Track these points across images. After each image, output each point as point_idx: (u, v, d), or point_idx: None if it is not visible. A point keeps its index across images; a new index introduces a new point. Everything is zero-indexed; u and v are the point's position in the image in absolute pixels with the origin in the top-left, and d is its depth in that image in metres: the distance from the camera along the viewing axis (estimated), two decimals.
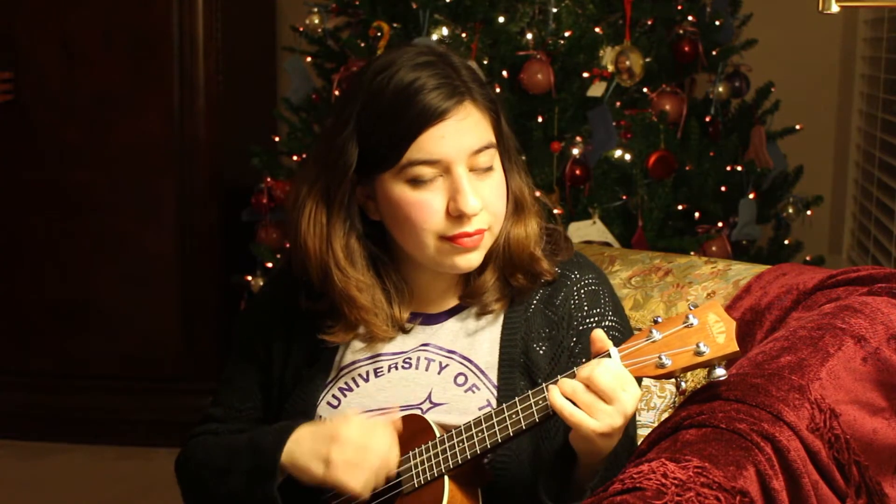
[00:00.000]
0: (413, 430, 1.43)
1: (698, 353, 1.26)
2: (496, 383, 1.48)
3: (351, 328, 1.51)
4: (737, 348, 1.25)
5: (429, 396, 1.48)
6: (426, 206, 1.42)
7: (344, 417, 1.43)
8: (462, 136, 1.42)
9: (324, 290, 1.50)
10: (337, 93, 2.91)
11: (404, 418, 1.45)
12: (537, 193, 1.58)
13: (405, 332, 1.54)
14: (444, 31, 2.75)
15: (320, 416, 1.50)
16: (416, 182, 1.42)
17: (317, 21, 3.16)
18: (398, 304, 1.52)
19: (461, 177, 1.41)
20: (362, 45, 2.88)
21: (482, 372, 1.49)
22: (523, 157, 1.59)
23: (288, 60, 3.30)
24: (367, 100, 1.45)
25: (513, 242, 1.50)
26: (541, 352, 1.50)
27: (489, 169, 1.45)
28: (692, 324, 1.28)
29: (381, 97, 1.43)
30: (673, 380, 1.69)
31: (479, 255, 1.47)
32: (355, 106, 1.46)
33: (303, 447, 1.42)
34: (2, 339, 3.68)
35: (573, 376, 1.31)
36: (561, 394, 1.29)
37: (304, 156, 3.11)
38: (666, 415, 1.65)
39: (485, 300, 1.51)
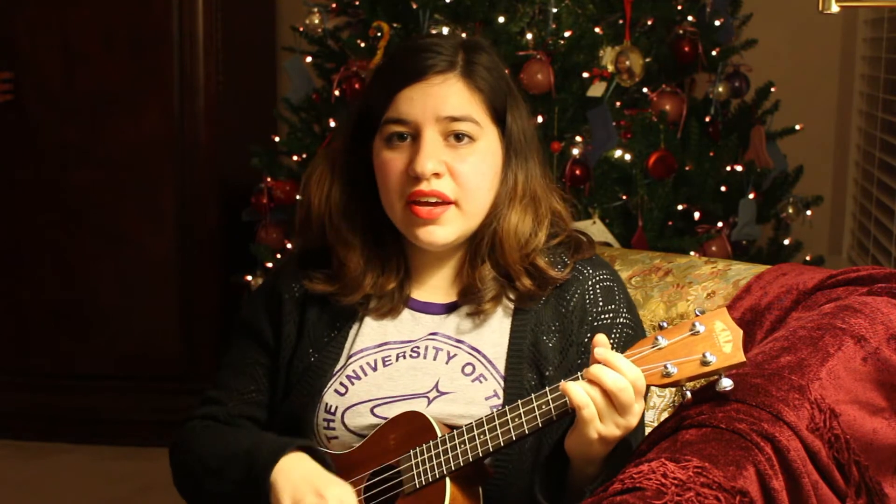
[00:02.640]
0: (413, 428, 1.42)
1: (705, 363, 1.25)
2: (503, 374, 1.48)
3: (334, 281, 1.54)
4: (744, 358, 1.24)
5: (436, 385, 1.48)
6: (391, 164, 1.47)
7: (341, 483, 1.42)
8: (433, 99, 1.45)
9: (322, 245, 1.55)
10: (337, 93, 2.90)
11: (404, 415, 1.44)
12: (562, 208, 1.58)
13: (393, 301, 1.54)
14: (445, 31, 2.75)
15: (327, 404, 1.50)
16: (391, 143, 1.48)
17: (317, 21, 3.16)
18: (390, 273, 1.54)
19: (425, 139, 1.45)
20: (362, 45, 2.88)
21: (490, 362, 1.49)
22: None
23: (288, 60, 3.30)
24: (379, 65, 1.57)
25: (501, 232, 1.50)
26: (550, 344, 1.49)
27: (469, 144, 1.46)
28: (699, 331, 1.27)
29: (387, 58, 1.56)
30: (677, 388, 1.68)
31: (445, 231, 1.47)
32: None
33: (288, 478, 1.41)
34: (2, 339, 3.68)
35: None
36: (584, 391, 1.28)
37: (304, 156, 3.10)
38: (666, 414, 1.65)
39: (480, 296, 1.50)
